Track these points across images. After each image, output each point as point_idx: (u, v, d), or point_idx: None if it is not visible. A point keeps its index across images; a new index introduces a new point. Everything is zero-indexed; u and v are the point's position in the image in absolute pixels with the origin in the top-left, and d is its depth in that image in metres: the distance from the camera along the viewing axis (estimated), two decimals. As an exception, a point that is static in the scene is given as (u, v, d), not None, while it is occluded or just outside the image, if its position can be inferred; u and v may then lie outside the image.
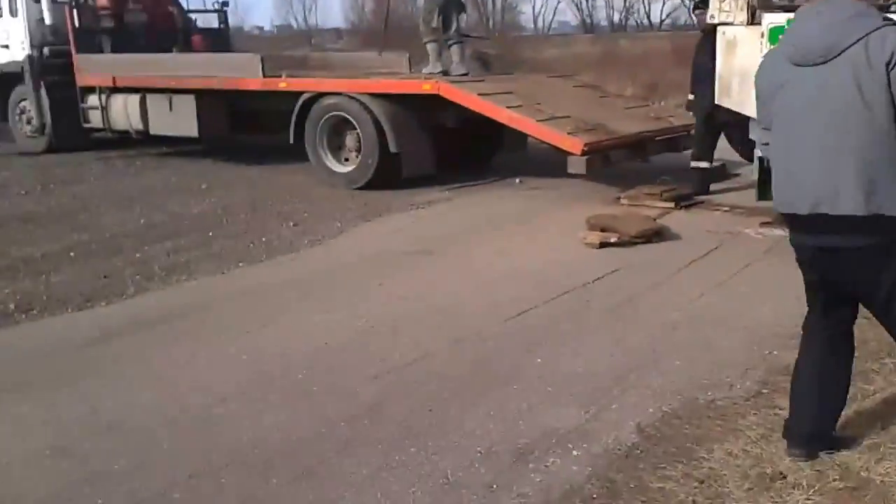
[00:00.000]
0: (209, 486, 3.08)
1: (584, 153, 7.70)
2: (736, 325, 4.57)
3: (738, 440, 3.25)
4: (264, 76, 9.76)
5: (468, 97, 8.47)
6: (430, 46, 9.61)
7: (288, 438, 3.43)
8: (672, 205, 7.65)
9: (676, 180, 8.10)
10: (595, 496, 2.95)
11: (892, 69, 2.64)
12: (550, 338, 4.51)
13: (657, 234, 6.56)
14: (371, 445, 3.35)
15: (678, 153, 8.50)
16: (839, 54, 2.71)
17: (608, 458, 3.20)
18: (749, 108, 5.47)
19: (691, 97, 8.21)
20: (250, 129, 11.09)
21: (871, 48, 2.67)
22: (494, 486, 3.03)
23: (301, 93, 9.43)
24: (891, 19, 2.83)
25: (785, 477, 2.96)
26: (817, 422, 3.08)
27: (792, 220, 2.93)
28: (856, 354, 3.12)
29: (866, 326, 3.47)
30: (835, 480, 2.91)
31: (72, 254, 6.60)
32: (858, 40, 2.69)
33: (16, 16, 12.38)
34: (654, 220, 6.96)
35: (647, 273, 5.65)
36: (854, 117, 2.70)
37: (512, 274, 5.75)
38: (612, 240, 6.36)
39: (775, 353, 4.13)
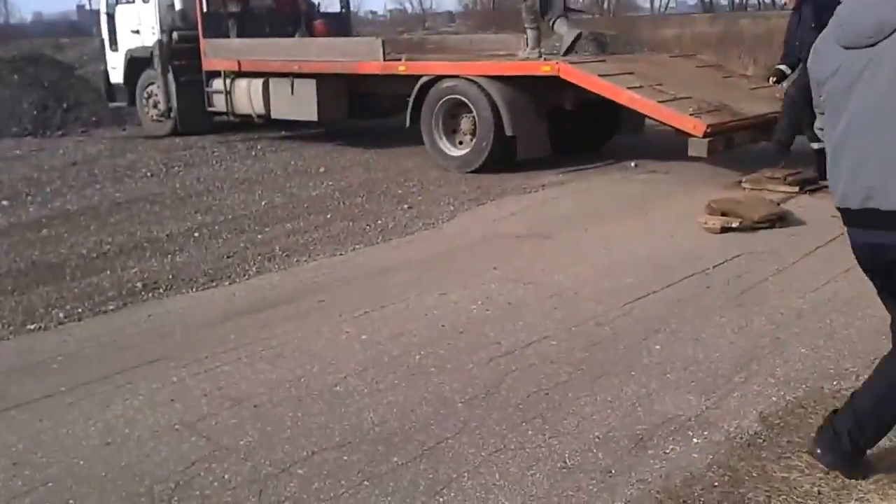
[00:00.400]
0: (331, 462, 3.17)
1: (706, 135, 7.49)
2: (862, 314, 4.36)
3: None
4: (384, 60, 9.87)
5: (588, 78, 8.36)
6: (529, 31, 9.55)
7: (407, 418, 3.50)
8: (796, 189, 7.35)
9: (801, 164, 7.77)
10: (716, 484, 2.89)
11: None
12: (669, 324, 4.43)
13: (781, 220, 6.34)
14: (488, 427, 3.38)
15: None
16: (893, 33, 2.45)
17: (729, 447, 3.14)
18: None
19: (782, 68, 7.95)
20: (368, 112, 11.28)
21: None
22: (612, 472, 3.01)
23: (419, 76, 9.51)
24: None
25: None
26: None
27: (845, 215, 2.69)
28: None
29: None
30: None
31: (196, 234, 6.90)
32: None
33: (147, 2, 12.93)
34: (778, 204, 6.72)
35: (771, 259, 5.47)
36: None
37: (628, 259, 5.66)
38: (734, 224, 6.17)
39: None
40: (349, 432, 3.39)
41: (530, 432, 3.32)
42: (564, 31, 9.72)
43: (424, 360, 4.09)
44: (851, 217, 2.65)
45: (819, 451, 2.92)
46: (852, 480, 2.84)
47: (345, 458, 3.20)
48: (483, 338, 4.35)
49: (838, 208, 2.71)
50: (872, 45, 2.48)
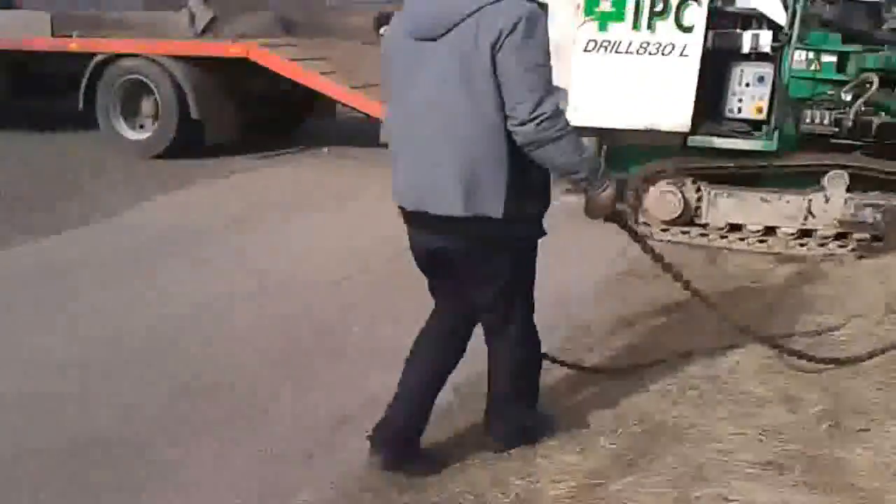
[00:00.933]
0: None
1: (395, 121, 7.69)
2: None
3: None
4: (53, 36, 8.98)
5: (279, 62, 8.24)
6: (192, 8, 9.24)
7: (94, 424, 3.23)
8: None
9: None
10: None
11: (499, 52, 2.27)
12: (369, 306, 4.51)
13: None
14: (186, 423, 3.23)
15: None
16: (449, 31, 2.32)
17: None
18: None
19: None
20: (36, 93, 10.19)
21: (482, 25, 2.28)
22: (314, 455, 3.02)
23: (94, 54, 8.78)
24: None
25: (589, 425, 3.15)
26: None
27: (402, 214, 2.65)
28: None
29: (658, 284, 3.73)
30: (634, 425, 3.13)
31: None
32: (471, 15, 2.30)
33: None
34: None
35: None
36: (459, 107, 2.35)
37: (329, 246, 5.67)
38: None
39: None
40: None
41: (234, 422, 3.23)
42: (200, 10, 9.43)
43: (110, 368, 3.78)
44: (406, 217, 2.64)
45: (494, 439, 2.97)
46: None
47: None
48: (189, 336, 4.12)
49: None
50: (433, 39, 2.37)
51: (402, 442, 2.84)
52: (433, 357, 2.85)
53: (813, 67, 5.41)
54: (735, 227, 5.66)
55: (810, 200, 5.48)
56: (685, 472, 2.86)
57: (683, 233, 5.70)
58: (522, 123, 2.32)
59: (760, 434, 3.12)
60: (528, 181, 2.46)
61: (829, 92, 5.44)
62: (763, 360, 3.72)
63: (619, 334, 4.12)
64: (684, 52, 5.21)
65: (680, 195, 5.63)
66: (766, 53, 5.35)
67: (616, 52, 5.34)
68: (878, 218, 5.36)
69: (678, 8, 5.17)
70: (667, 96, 5.29)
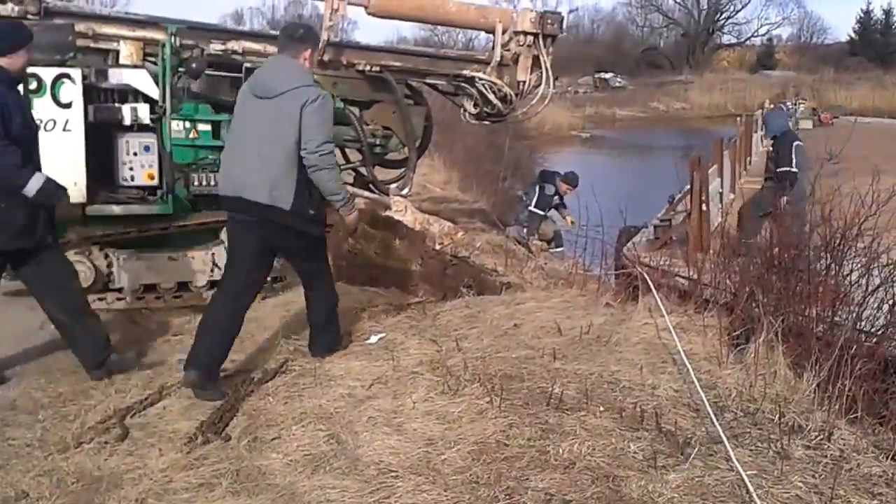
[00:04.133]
0: None
1: None
2: None
3: None
4: None
5: None
6: None
7: None
8: None
9: None
10: None
11: (304, 110, 4.04)
12: None
13: None
14: None
15: None
16: (280, 94, 4.10)
17: None
18: None
19: None
20: None
21: (294, 95, 4.07)
22: None
23: None
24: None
25: (28, 495, 3.17)
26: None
27: (224, 201, 4.32)
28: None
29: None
30: (73, 484, 3.24)
31: None
32: (292, 89, 4.09)
33: None
34: None
35: None
36: (277, 137, 4.08)
37: None
38: None
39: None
40: None
41: None
42: None
43: None
44: (226, 202, 4.30)
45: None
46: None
47: None
48: None
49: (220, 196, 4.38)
50: (270, 98, 4.13)
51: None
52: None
53: (191, 135, 5.98)
54: (150, 287, 5.95)
55: (213, 254, 6.03)
56: None
57: (100, 299, 5.79)
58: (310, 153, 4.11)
59: (194, 460, 3.47)
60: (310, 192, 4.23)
61: (211, 157, 6.06)
62: (186, 399, 4.11)
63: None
64: (67, 127, 5.35)
65: (89, 263, 5.71)
66: (148, 124, 5.77)
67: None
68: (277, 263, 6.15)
69: (53, 85, 5.31)
70: (58, 170, 5.35)
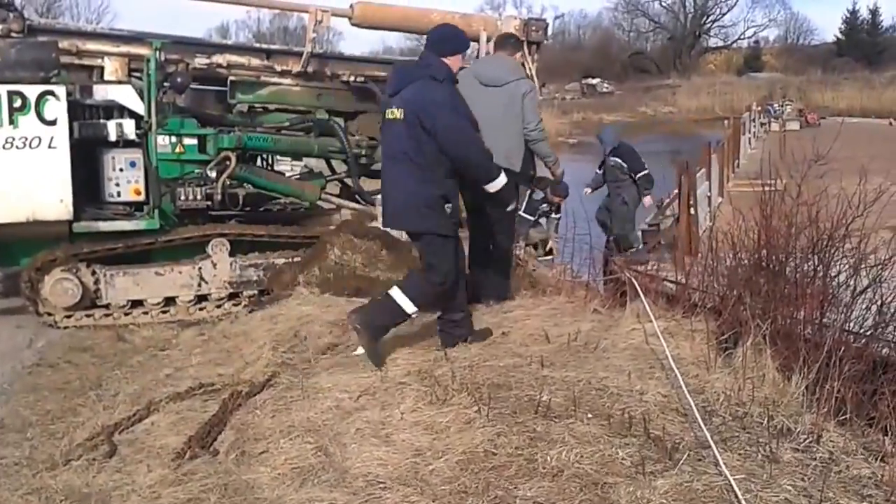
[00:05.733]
0: None
1: None
2: None
3: None
4: None
5: None
6: None
7: None
8: None
9: None
10: None
11: (525, 98, 5.10)
12: None
13: None
14: None
15: None
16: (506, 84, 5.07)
17: None
18: None
19: None
20: None
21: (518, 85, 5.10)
22: None
23: None
24: None
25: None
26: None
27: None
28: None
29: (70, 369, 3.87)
30: (62, 501, 3.22)
31: None
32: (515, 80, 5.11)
33: None
34: None
35: None
36: (508, 117, 5.05)
37: None
38: None
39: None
40: None
41: None
42: None
43: None
44: None
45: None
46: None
47: None
48: None
49: None
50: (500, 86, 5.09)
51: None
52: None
53: (177, 150, 6.00)
54: (137, 303, 5.96)
55: (200, 268, 6.05)
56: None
57: (88, 316, 5.79)
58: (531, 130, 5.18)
59: (183, 476, 3.46)
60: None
61: (197, 171, 6.09)
62: (174, 415, 4.09)
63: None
64: (52, 145, 5.36)
65: (77, 280, 5.72)
66: (134, 140, 5.78)
67: (-17, 149, 5.25)
68: (261, 275, 6.18)
69: (38, 102, 5.31)
70: (43, 187, 5.38)
